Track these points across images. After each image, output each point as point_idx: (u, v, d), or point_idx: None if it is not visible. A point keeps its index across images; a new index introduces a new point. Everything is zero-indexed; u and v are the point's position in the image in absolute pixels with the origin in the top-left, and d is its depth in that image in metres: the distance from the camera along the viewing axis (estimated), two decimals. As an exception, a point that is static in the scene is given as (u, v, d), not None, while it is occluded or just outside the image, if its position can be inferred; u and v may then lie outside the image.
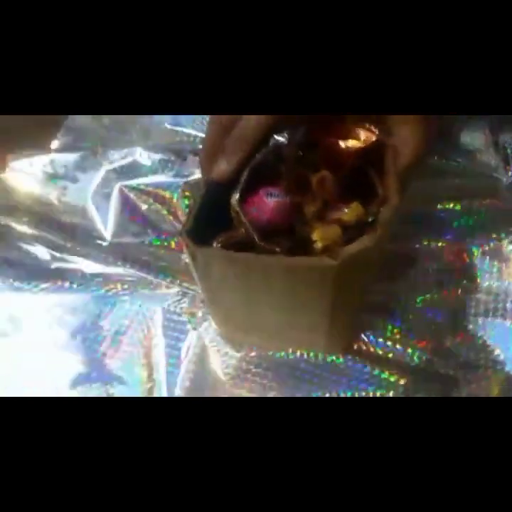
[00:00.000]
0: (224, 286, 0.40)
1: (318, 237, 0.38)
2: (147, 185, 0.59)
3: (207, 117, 0.48)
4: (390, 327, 0.48)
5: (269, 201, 0.38)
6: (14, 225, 0.57)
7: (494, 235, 0.51)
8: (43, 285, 0.53)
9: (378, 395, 0.45)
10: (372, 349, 0.47)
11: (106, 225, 0.57)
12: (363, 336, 0.48)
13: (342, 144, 0.41)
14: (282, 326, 0.43)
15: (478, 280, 0.50)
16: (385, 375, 0.45)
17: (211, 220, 0.39)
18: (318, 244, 0.38)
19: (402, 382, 0.45)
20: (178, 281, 0.52)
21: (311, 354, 0.46)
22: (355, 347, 0.47)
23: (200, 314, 0.50)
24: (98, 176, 0.60)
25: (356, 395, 0.45)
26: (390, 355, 0.47)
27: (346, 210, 0.39)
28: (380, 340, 0.47)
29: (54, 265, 0.55)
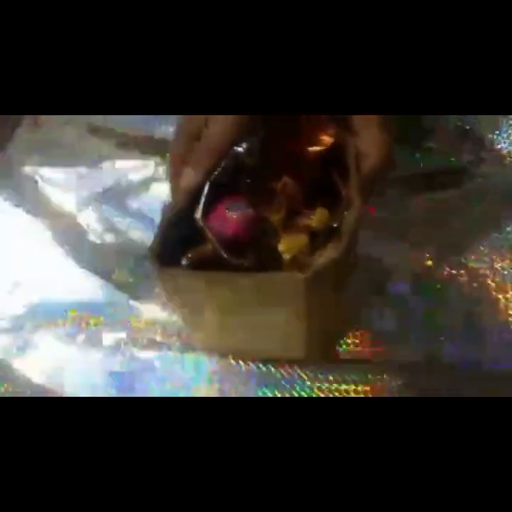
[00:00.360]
0: (194, 302, 0.39)
1: (285, 248, 0.37)
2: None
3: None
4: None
5: (232, 215, 0.37)
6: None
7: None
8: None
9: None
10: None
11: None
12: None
13: (303, 148, 0.40)
14: (257, 337, 0.42)
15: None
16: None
17: (181, 237, 0.38)
18: (286, 256, 0.37)
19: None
20: None
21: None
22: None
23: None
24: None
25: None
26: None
27: (312, 217, 0.39)
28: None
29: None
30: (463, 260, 0.50)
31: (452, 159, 0.55)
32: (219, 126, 0.37)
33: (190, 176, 0.38)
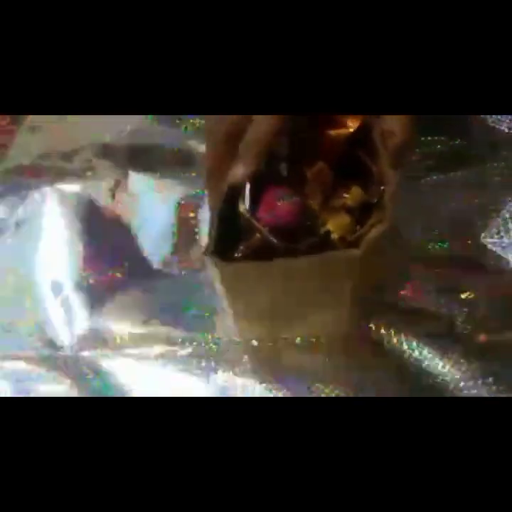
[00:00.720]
0: (250, 292, 0.41)
1: (333, 228, 0.39)
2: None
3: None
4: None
5: (283, 204, 0.39)
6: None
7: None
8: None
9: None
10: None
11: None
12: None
13: (330, 132, 0.42)
14: (306, 316, 0.44)
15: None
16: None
17: (230, 231, 0.40)
18: (335, 236, 0.39)
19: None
20: None
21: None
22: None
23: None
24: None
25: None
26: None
27: (346, 196, 0.41)
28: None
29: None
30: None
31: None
32: (264, 118, 0.38)
33: (241, 169, 0.39)
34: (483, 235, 0.53)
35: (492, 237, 0.54)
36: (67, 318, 0.52)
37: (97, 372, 0.48)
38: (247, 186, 0.40)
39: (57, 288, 0.53)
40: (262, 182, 0.41)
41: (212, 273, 0.39)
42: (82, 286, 0.52)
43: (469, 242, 0.52)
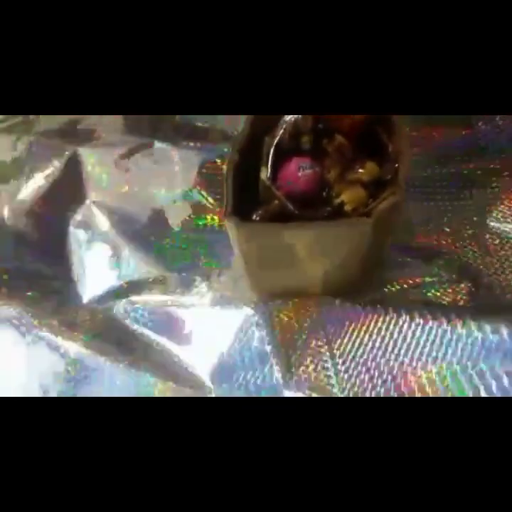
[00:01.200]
0: (268, 254, 0.44)
1: (347, 200, 0.42)
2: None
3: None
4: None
5: (302, 174, 0.42)
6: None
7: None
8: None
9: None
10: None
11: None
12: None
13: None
14: (320, 279, 0.46)
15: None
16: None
17: (247, 194, 0.43)
18: (348, 207, 0.42)
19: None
20: None
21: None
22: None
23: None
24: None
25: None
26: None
27: (362, 171, 0.44)
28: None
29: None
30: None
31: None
32: None
33: None
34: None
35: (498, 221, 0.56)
36: (92, 269, 0.56)
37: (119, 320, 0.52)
38: (271, 155, 0.43)
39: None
40: (284, 153, 0.43)
41: (231, 232, 0.42)
42: (107, 239, 0.57)
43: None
